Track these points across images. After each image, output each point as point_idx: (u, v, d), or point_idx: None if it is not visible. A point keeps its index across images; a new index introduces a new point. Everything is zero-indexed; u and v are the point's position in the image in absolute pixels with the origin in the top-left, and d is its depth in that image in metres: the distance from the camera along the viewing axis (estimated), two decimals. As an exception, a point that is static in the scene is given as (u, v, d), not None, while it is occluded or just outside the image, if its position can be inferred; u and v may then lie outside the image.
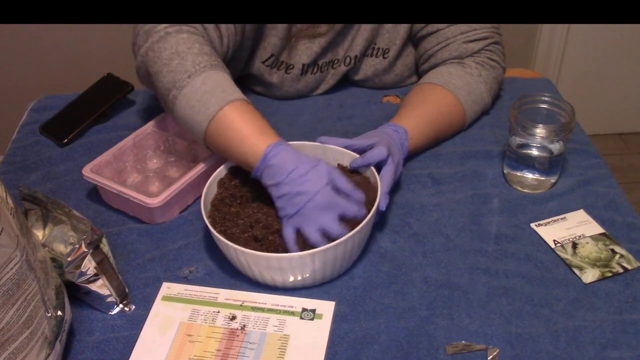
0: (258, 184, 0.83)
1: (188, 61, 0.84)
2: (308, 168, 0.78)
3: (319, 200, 0.77)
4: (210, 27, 0.91)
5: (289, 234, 0.78)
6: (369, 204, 0.82)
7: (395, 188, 0.95)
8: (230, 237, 0.78)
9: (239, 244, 0.76)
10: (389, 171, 0.85)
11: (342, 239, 0.75)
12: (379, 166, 0.86)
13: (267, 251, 0.78)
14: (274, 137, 0.81)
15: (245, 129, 0.82)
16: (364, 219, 0.77)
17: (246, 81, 1.17)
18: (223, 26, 0.93)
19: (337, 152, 0.89)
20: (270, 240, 0.79)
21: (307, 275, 0.78)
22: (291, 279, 0.78)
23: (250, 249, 0.76)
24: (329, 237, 0.77)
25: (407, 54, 1.12)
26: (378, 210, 0.81)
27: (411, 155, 0.99)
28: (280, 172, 0.78)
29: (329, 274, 0.80)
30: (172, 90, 0.85)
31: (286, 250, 0.78)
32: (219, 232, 0.78)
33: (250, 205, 0.84)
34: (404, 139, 0.93)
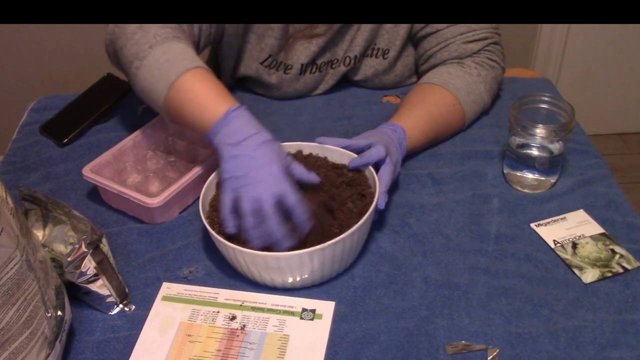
0: None
1: (150, 33, 0.86)
2: (265, 139, 0.78)
3: (266, 171, 0.76)
4: None
5: (227, 198, 0.77)
6: (367, 203, 0.82)
7: (394, 188, 0.95)
8: (228, 237, 0.78)
9: (237, 244, 0.77)
10: (387, 170, 0.85)
11: (340, 237, 0.75)
12: (377, 166, 0.86)
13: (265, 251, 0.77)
14: (235, 102, 0.81)
15: (205, 94, 0.82)
16: (299, 210, 0.76)
17: (245, 83, 1.17)
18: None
19: (335, 152, 0.89)
20: None
21: (306, 275, 0.78)
22: (290, 279, 0.78)
23: (248, 248, 0.76)
24: (260, 210, 0.75)
25: (407, 55, 1.12)
26: (377, 209, 0.81)
27: (411, 155, 0.99)
28: (238, 134, 0.78)
29: (327, 273, 0.80)
30: (134, 62, 0.86)
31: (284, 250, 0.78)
32: (218, 233, 0.78)
33: None
34: (402, 138, 0.93)
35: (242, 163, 0.77)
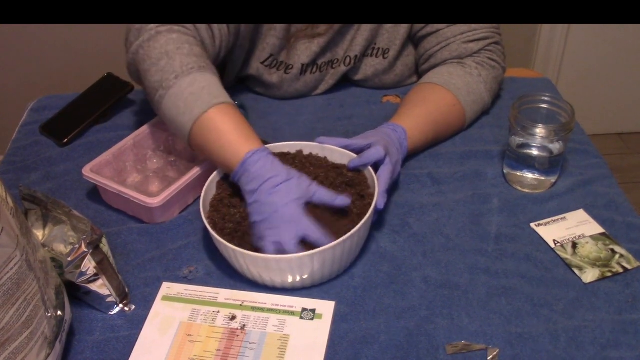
0: None
1: (176, 62, 0.85)
2: (281, 180, 0.78)
3: (283, 213, 0.77)
4: (203, 27, 0.92)
5: (259, 245, 0.78)
6: (366, 204, 0.82)
7: (394, 188, 0.95)
8: (228, 238, 0.78)
9: (238, 245, 0.76)
10: (386, 170, 0.85)
11: (340, 240, 0.75)
12: (376, 166, 0.86)
13: None
14: (255, 143, 0.82)
15: (228, 133, 0.82)
16: (324, 244, 0.75)
17: (246, 82, 1.17)
18: (216, 27, 0.94)
19: (335, 152, 0.89)
20: None
21: (306, 276, 0.78)
22: (290, 279, 0.78)
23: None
24: (283, 251, 0.76)
25: (407, 54, 1.12)
26: (376, 210, 0.81)
27: (410, 155, 0.99)
28: (256, 180, 0.79)
29: (327, 274, 0.80)
30: (159, 90, 0.85)
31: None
32: (218, 233, 0.78)
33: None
34: (402, 138, 0.93)
35: (261, 208, 0.78)
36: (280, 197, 0.78)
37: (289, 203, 0.77)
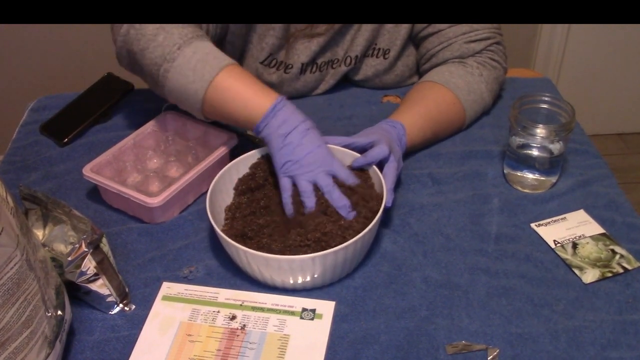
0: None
1: (174, 34, 0.86)
2: (310, 126, 0.84)
3: (317, 154, 0.82)
4: None
5: (285, 183, 0.83)
6: (371, 203, 0.82)
7: (394, 187, 0.95)
8: (239, 240, 0.78)
9: (245, 246, 0.77)
10: (392, 168, 0.85)
11: (353, 240, 0.75)
12: (380, 164, 0.86)
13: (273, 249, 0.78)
14: (275, 94, 0.85)
15: (246, 90, 0.85)
16: (352, 182, 0.83)
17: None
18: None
19: (337, 151, 0.89)
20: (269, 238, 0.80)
21: (317, 275, 0.77)
22: (300, 280, 0.78)
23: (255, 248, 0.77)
24: (318, 189, 0.82)
25: (408, 54, 1.12)
26: (385, 208, 0.81)
27: (411, 155, 0.99)
28: (287, 124, 0.83)
29: (338, 273, 0.80)
30: (163, 64, 0.86)
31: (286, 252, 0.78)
32: (229, 236, 0.78)
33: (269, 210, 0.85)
34: (401, 134, 0.93)
35: (294, 150, 0.82)
36: (312, 140, 0.83)
37: (321, 146, 0.83)
